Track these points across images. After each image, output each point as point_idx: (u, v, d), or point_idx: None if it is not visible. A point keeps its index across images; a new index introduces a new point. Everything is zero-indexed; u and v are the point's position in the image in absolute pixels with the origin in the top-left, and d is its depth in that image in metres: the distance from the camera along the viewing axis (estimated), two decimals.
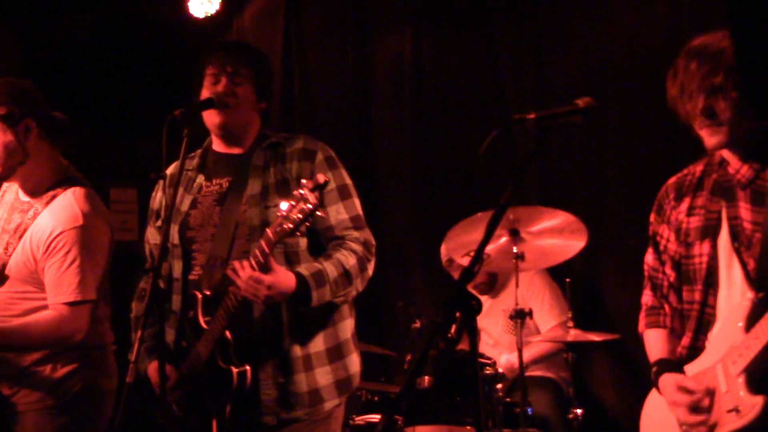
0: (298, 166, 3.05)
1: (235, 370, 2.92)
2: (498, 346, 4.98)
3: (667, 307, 2.76)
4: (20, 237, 3.10)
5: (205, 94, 3.11)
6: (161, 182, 3.16)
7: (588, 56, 5.26)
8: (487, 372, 4.36)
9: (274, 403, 2.96)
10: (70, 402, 3.09)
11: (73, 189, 3.14)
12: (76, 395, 3.10)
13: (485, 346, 5.02)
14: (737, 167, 2.54)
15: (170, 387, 3.03)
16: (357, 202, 3.12)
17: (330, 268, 2.93)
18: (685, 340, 2.67)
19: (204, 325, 2.98)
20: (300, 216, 2.69)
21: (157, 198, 3.25)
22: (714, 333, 2.57)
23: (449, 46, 5.86)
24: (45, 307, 3.07)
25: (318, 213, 2.72)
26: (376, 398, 4.57)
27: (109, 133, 6.18)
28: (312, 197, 2.68)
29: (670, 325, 2.74)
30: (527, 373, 4.55)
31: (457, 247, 4.65)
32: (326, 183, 2.74)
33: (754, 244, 2.48)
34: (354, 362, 3.10)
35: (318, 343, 3.01)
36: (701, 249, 2.62)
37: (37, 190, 3.17)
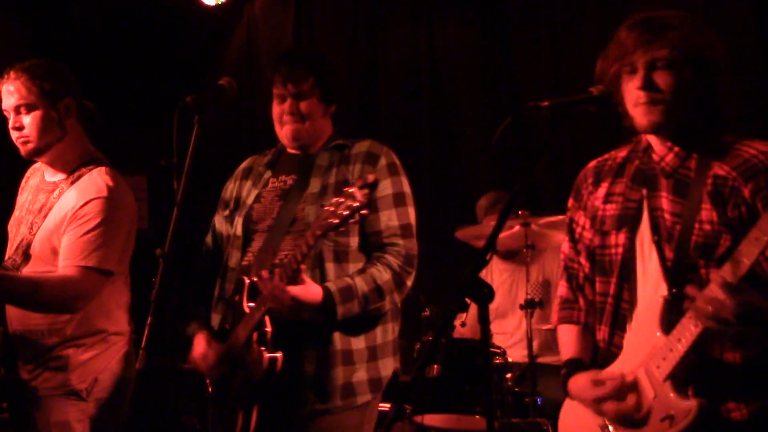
0: (360, 168, 3.11)
1: (267, 354, 2.94)
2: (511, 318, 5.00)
3: (582, 300, 2.62)
4: (45, 216, 3.13)
5: (274, 111, 3.19)
6: (236, 173, 3.33)
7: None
8: (497, 361, 4.36)
9: (312, 393, 3.01)
10: (89, 389, 3.09)
11: (98, 168, 3.19)
12: (96, 382, 3.10)
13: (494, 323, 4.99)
14: (662, 154, 2.41)
15: (210, 366, 3.10)
16: (411, 211, 3.16)
17: (360, 284, 2.98)
18: (601, 334, 2.52)
19: (247, 310, 3.03)
20: (346, 212, 2.70)
21: (229, 188, 3.35)
22: (629, 333, 2.44)
23: (463, 36, 5.84)
24: None
25: (363, 212, 2.74)
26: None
27: (119, 120, 6.15)
28: (360, 195, 2.70)
29: (584, 320, 2.60)
30: (537, 361, 4.55)
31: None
32: (376, 182, 2.77)
33: (674, 237, 2.35)
34: (387, 366, 3.14)
35: (359, 341, 3.06)
36: (617, 239, 2.47)
37: (64, 169, 3.21)
